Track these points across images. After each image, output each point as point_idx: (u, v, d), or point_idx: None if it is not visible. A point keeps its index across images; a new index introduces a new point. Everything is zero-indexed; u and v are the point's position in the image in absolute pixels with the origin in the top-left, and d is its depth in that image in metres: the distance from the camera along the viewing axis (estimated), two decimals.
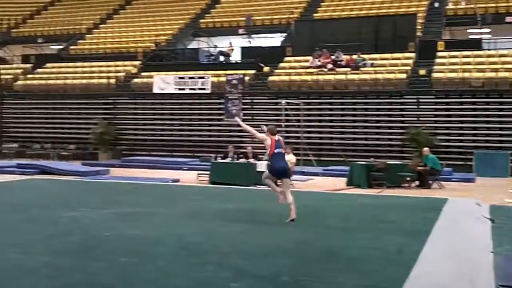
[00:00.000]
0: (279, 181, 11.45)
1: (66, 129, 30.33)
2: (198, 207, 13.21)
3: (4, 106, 28.97)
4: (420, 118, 24.32)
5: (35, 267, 7.42)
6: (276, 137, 11.28)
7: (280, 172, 11.06)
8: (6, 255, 8.09)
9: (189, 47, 34.00)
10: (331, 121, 25.59)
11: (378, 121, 24.99)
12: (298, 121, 24.26)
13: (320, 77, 26.09)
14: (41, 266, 7.46)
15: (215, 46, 31.77)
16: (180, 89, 27.75)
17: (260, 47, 30.89)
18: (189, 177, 20.14)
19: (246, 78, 26.90)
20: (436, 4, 31.14)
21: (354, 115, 25.31)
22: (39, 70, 33.67)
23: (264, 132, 11.35)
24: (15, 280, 6.97)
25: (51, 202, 13.95)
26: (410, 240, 9.27)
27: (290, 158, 18.63)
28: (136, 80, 30.05)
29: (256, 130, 11.65)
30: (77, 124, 30.22)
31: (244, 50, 30.90)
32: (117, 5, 41.11)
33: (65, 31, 38.49)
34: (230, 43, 30.96)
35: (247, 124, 12.20)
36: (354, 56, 26.65)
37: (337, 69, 26.50)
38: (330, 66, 26.62)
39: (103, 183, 18.81)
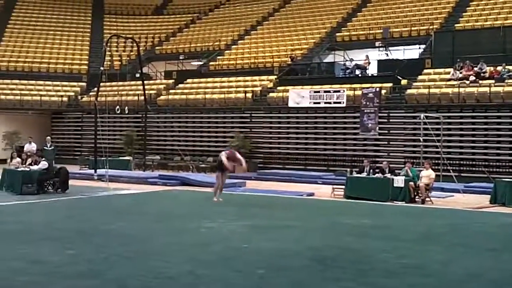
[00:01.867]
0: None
1: (204, 142, 31.31)
2: (333, 221, 13.08)
3: (148, 120, 30.37)
4: None
5: (176, 276, 7.63)
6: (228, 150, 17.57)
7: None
8: (149, 263, 8.39)
9: (324, 61, 33.96)
10: (473, 135, 24.46)
11: None
12: (438, 135, 23.38)
13: (462, 90, 25.02)
14: (182, 275, 7.66)
15: (351, 60, 31.50)
16: (315, 102, 27.74)
17: (398, 59, 30.18)
18: (323, 191, 20.01)
19: (383, 91, 26.39)
20: None
21: (499, 129, 24.03)
22: (180, 85, 35.02)
23: None
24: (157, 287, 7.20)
25: (191, 213, 14.41)
26: None
27: (429, 173, 18.02)
28: (272, 94, 30.43)
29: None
30: (215, 137, 31.11)
31: (381, 63, 30.33)
32: (254, 22, 42.01)
33: (205, 47, 39.87)
34: (367, 56, 30.53)
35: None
36: (499, 68, 25.34)
37: (480, 82, 25.33)
38: (472, 78, 25.48)
39: (239, 195, 19.15)
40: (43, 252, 9.03)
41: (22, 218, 13.25)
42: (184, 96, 32.76)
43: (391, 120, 26.29)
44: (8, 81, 36.89)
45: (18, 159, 20.42)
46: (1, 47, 40.29)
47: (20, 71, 38.46)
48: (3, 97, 35.07)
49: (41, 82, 37.42)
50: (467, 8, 32.72)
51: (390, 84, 27.65)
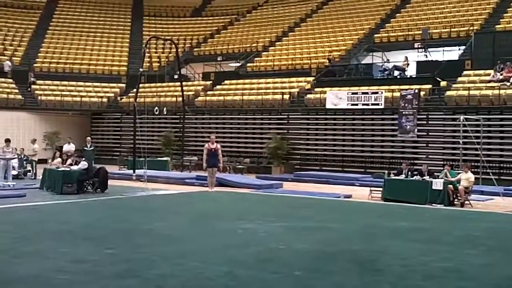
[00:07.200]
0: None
1: (241, 143, 31.39)
2: (371, 224, 12.98)
3: (186, 121, 30.53)
4: None
5: (214, 276, 7.68)
6: (214, 145, 20.70)
7: (211, 165, 20.53)
8: (188, 264, 8.46)
9: (362, 62, 33.71)
10: None
11: None
12: (478, 137, 23.02)
13: (502, 92, 24.60)
14: (220, 276, 7.70)
15: (388, 61, 31.24)
16: (353, 104, 27.58)
17: (437, 61, 29.82)
18: (361, 193, 19.88)
19: (422, 93, 26.10)
20: None
21: None
22: (218, 86, 35.17)
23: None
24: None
25: (229, 214, 14.46)
26: None
27: (468, 176, 17.75)
28: (309, 95, 30.33)
29: None
30: (252, 138, 31.17)
31: (420, 64, 29.98)
32: (292, 23, 41.96)
33: (242, 49, 40.00)
34: (406, 57, 30.26)
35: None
36: None
37: None
38: None
39: (276, 197, 19.15)
40: (83, 251, 9.17)
41: (62, 217, 13.48)
42: (221, 98, 32.90)
43: (430, 122, 25.98)
44: (49, 82, 37.59)
45: (59, 159, 20.78)
46: (42, 49, 41.08)
47: (61, 72, 39.14)
48: (44, 98, 35.73)
49: (82, 83, 38.00)
50: (508, 9, 32.17)
51: (429, 86, 27.35)
